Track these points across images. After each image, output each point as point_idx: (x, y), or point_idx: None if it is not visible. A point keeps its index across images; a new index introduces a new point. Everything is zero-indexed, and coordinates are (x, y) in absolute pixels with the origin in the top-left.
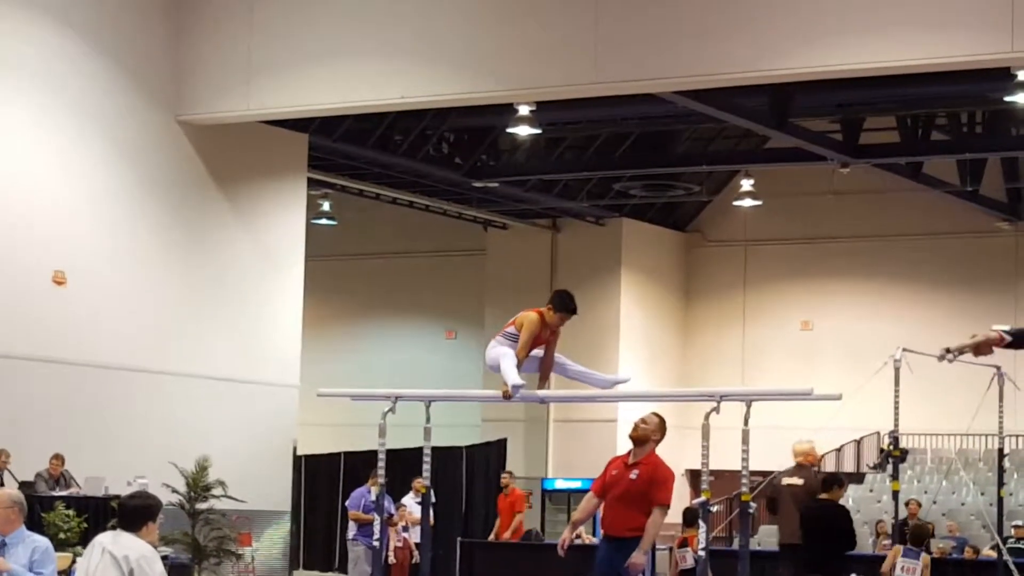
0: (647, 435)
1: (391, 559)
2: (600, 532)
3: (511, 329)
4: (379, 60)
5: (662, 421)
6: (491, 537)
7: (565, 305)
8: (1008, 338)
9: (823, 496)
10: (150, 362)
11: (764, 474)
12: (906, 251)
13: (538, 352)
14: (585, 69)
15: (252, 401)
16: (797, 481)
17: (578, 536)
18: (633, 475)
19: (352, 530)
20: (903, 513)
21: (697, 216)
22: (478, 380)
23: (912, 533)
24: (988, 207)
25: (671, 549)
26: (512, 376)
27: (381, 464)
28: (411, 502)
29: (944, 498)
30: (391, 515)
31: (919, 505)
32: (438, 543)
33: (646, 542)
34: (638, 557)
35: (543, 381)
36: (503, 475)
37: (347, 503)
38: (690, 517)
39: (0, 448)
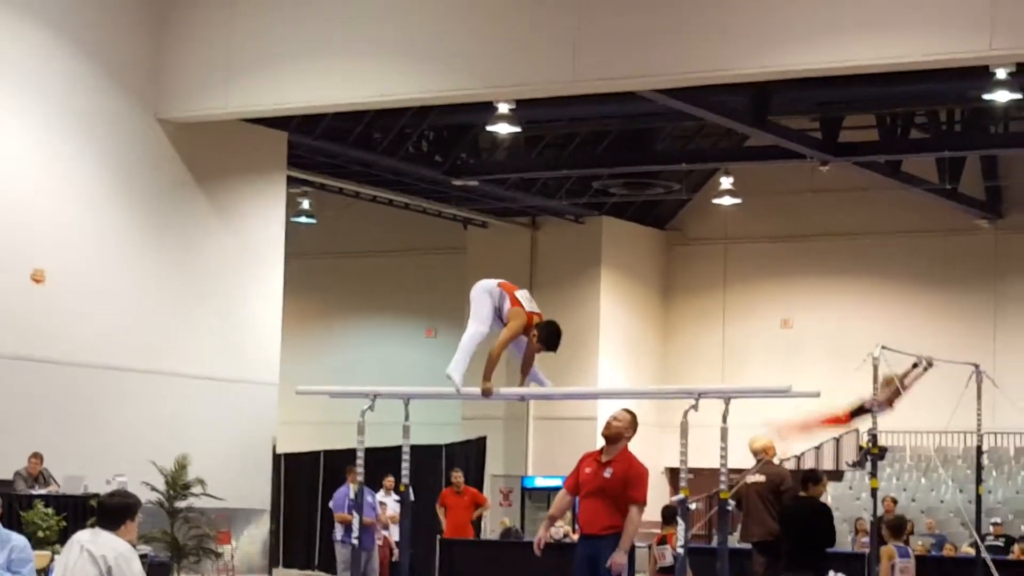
0: (620, 432)
1: None
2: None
3: (507, 306)
4: (359, 58)
5: (634, 417)
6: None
7: (549, 342)
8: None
9: (802, 494)
10: (129, 360)
11: (742, 472)
12: (886, 249)
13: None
14: (564, 67)
15: (232, 399)
16: (759, 478)
17: (566, 535)
18: (607, 473)
19: (339, 531)
20: (881, 511)
21: (677, 214)
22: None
23: (893, 526)
24: (967, 205)
25: (650, 547)
26: (458, 373)
27: (360, 462)
28: (389, 500)
29: (923, 495)
30: (377, 512)
31: (895, 502)
32: (418, 541)
33: (626, 541)
34: (619, 556)
35: (524, 378)
36: (455, 472)
37: (331, 504)
38: (668, 515)
39: None
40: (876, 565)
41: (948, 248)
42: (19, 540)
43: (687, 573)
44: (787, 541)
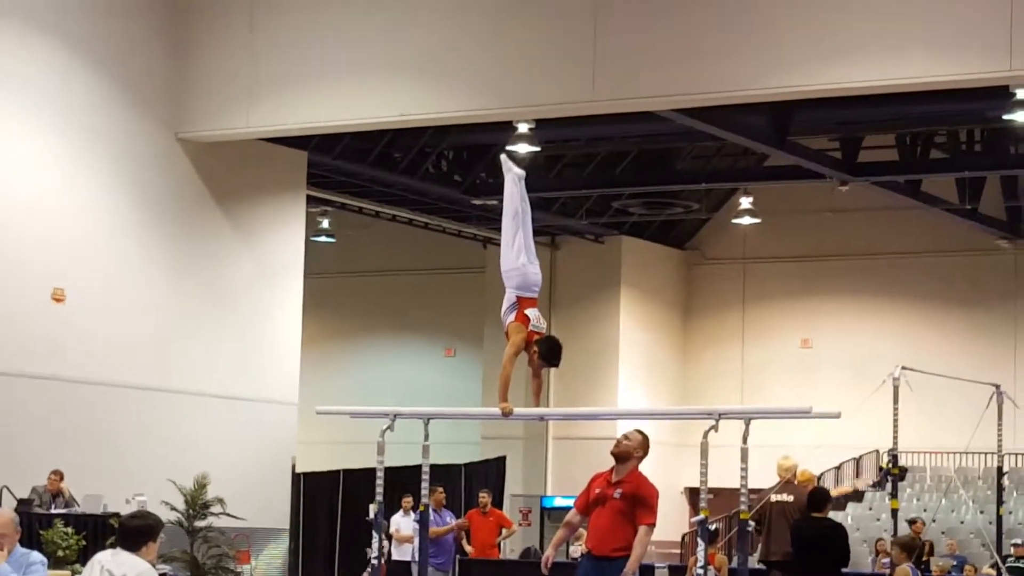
0: (629, 451)
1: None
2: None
3: (512, 317)
4: (379, 78)
5: (645, 438)
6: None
7: (550, 358)
8: None
9: (816, 515)
10: (149, 379)
11: (761, 492)
12: (905, 269)
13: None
14: (584, 87)
15: (251, 418)
16: (787, 498)
17: (583, 555)
18: (617, 493)
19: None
20: (904, 531)
21: (696, 234)
22: (477, 398)
23: (906, 547)
24: (987, 225)
25: (668, 567)
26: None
27: (380, 482)
28: (401, 520)
29: (943, 516)
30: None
31: (913, 523)
32: None
33: (633, 562)
34: None
35: (535, 399)
36: (482, 493)
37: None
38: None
39: None
40: None
41: (968, 268)
42: (37, 557)
43: None
44: (802, 562)
